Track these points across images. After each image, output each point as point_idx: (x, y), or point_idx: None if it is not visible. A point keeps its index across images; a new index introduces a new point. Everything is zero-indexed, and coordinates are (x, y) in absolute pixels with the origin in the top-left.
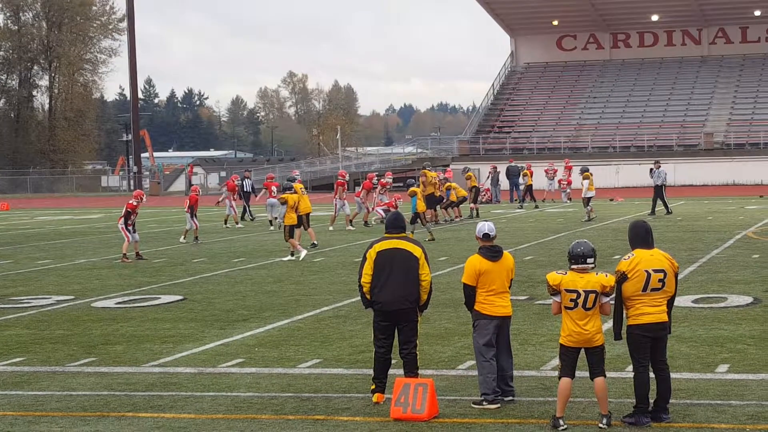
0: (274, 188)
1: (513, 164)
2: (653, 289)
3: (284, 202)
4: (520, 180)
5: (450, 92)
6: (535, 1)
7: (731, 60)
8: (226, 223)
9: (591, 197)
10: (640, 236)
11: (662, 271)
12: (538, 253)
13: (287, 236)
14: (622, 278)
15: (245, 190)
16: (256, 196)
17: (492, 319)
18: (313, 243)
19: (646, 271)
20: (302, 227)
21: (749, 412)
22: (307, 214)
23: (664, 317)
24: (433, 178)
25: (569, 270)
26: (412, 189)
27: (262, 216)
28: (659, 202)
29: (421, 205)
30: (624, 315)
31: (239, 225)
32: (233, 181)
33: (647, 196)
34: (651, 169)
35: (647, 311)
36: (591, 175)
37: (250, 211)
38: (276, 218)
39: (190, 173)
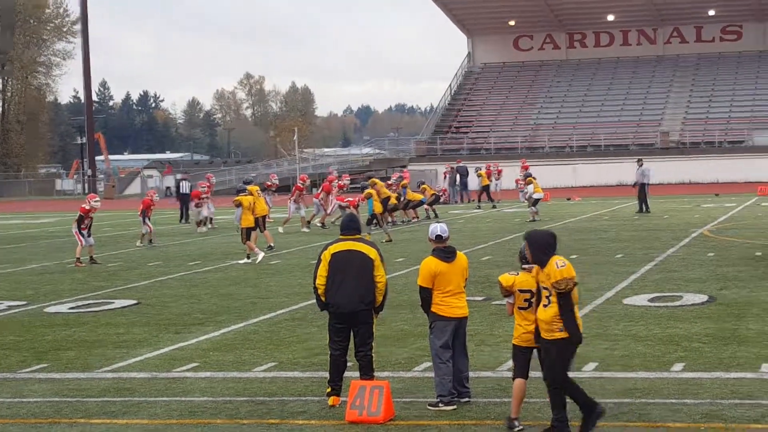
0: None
1: (461, 165)
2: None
3: (239, 205)
4: (475, 180)
5: (407, 93)
6: (491, 1)
7: (686, 59)
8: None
9: (539, 199)
10: (553, 245)
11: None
12: (495, 253)
13: (244, 239)
14: (575, 285)
15: (181, 192)
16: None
17: (449, 320)
18: (270, 245)
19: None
20: (258, 230)
21: (703, 410)
22: (263, 217)
23: None
24: (382, 186)
25: (521, 270)
26: (367, 191)
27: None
28: (641, 198)
29: (378, 207)
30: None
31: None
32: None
33: (605, 195)
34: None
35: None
36: (534, 179)
37: (187, 214)
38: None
39: (168, 172)
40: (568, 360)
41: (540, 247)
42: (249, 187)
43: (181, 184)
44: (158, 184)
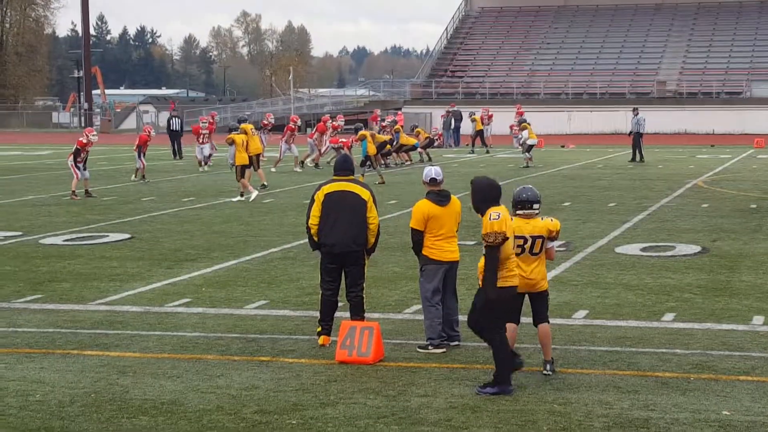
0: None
1: (455, 109)
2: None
3: (232, 143)
4: (469, 125)
5: (403, 35)
6: None
7: (685, 8)
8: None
9: (533, 145)
10: (493, 196)
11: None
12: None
13: (238, 176)
14: (504, 239)
15: (172, 128)
16: (182, 134)
17: (441, 264)
18: (263, 184)
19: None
20: (252, 168)
21: (693, 360)
22: (257, 155)
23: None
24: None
25: (515, 216)
26: (361, 132)
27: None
28: (635, 147)
29: (372, 149)
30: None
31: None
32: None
33: (599, 143)
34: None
35: (516, 273)
36: (529, 125)
37: (180, 150)
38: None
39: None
40: (486, 311)
41: (480, 196)
42: (242, 126)
43: (171, 120)
44: (154, 120)
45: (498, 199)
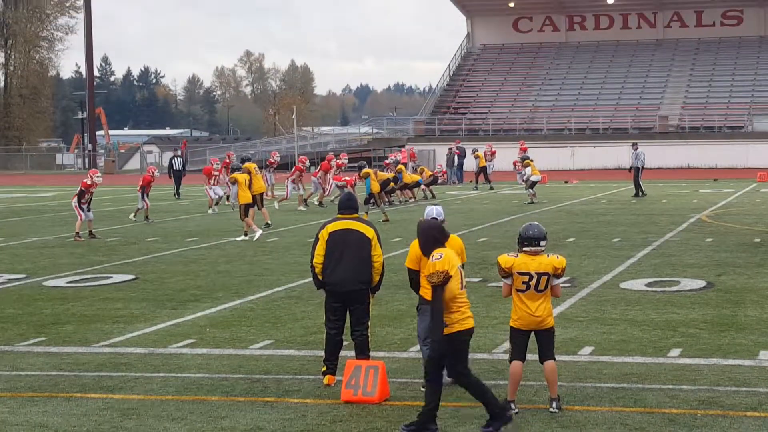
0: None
1: (460, 145)
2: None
3: (234, 182)
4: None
5: (405, 72)
6: None
7: (686, 44)
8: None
9: (537, 181)
10: (437, 237)
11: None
12: (491, 235)
13: (242, 216)
14: (447, 278)
15: (175, 168)
16: (185, 174)
17: None
18: (267, 223)
19: (458, 268)
20: (256, 207)
21: (701, 397)
22: (261, 194)
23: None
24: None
25: (520, 252)
26: (365, 171)
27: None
28: (636, 182)
29: (375, 186)
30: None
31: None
32: (211, 165)
33: (603, 179)
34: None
35: (470, 314)
36: (532, 161)
37: (179, 191)
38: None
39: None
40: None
41: (423, 238)
42: (246, 165)
43: (173, 160)
44: (158, 160)
45: (442, 241)
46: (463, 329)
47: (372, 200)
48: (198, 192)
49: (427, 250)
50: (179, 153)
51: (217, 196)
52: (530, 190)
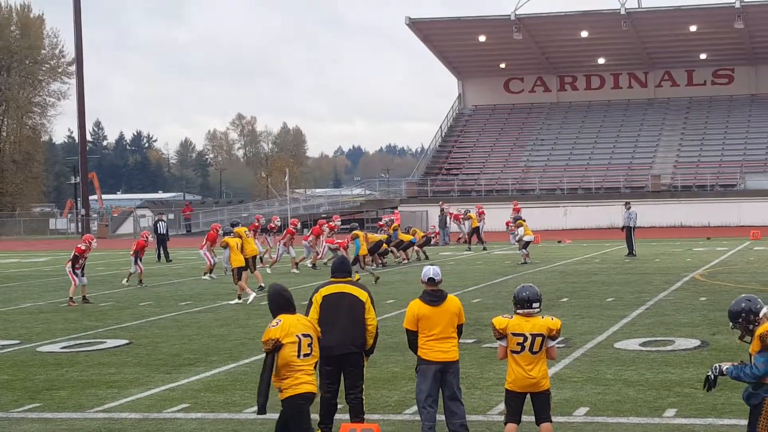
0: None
1: (443, 207)
2: (305, 355)
3: (226, 246)
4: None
5: (397, 134)
6: (482, 44)
7: (677, 103)
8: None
9: (530, 241)
10: (281, 302)
11: (309, 335)
12: (485, 295)
13: (235, 279)
14: (276, 346)
15: (159, 232)
16: (168, 238)
17: (431, 364)
18: (260, 286)
19: (297, 336)
20: (249, 270)
21: None
22: (253, 257)
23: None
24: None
25: (515, 314)
26: (354, 232)
27: (185, 258)
28: (628, 241)
29: (363, 249)
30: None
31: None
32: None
33: (595, 238)
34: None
35: (305, 379)
36: (524, 221)
37: (166, 253)
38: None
39: (189, 210)
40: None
41: (271, 304)
42: (236, 229)
43: (158, 224)
44: (151, 224)
45: (287, 307)
46: (295, 394)
47: (356, 263)
48: (192, 255)
49: (273, 313)
50: (163, 216)
51: (214, 262)
52: (523, 250)
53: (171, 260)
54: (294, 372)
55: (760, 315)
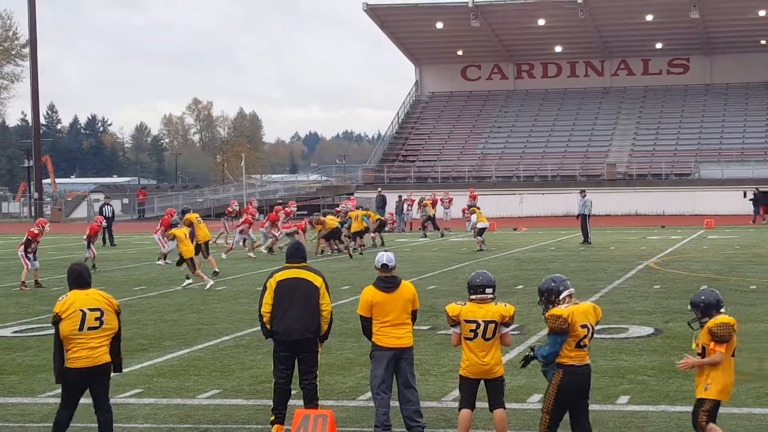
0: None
1: (381, 194)
2: (90, 328)
3: (173, 238)
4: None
5: (354, 120)
6: (439, 31)
7: (633, 92)
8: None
9: (484, 228)
10: (73, 278)
11: (99, 309)
12: (441, 282)
13: (192, 269)
14: (56, 319)
15: (106, 216)
16: (114, 221)
17: (386, 350)
18: (215, 271)
19: (81, 310)
20: (201, 255)
21: None
22: (206, 243)
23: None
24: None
25: (468, 300)
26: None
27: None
28: (585, 229)
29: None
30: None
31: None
32: (168, 216)
33: (551, 225)
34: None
35: (82, 354)
36: (478, 209)
37: (111, 237)
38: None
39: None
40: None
41: (67, 279)
42: (187, 216)
43: (104, 208)
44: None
45: (80, 283)
46: (70, 367)
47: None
48: (146, 240)
49: (69, 289)
50: (110, 201)
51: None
52: (478, 237)
53: (115, 245)
54: (73, 345)
55: (561, 297)
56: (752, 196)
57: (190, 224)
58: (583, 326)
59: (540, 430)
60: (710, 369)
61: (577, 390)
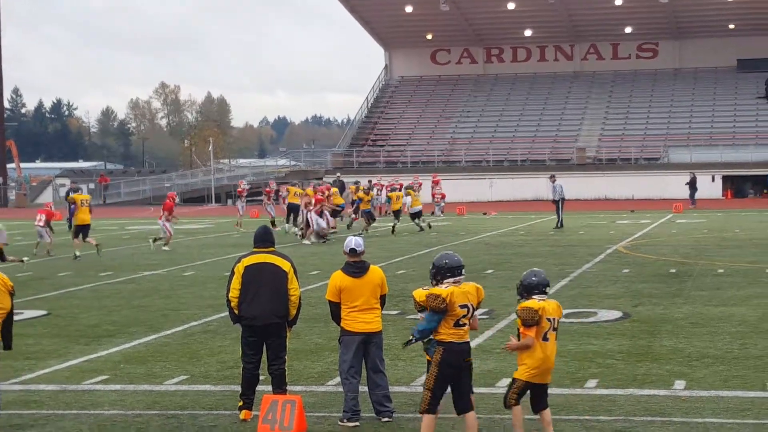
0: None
1: (339, 179)
2: None
3: (73, 202)
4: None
5: (323, 105)
6: (409, 15)
7: (603, 76)
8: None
9: (418, 212)
10: None
11: None
12: (410, 267)
13: (74, 236)
14: None
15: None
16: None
17: (355, 335)
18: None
19: None
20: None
21: (617, 427)
22: (85, 225)
23: None
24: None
25: (445, 283)
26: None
27: (105, 229)
28: (559, 213)
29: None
30: None
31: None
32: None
33: (521, 210)
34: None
35: None
36: (414, 191)
37: (72, 223)
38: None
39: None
40: None
41: None
42: (72, 196)
43: (70, 193)
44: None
45: None
46: None
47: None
48: (113, 225)
49: None
50: (77, 186)
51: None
52: (417, 221)
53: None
54: None
55: (445, 282)
56: (687, 180)
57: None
58: (463, 306)
59: (421, 407)
60: (524, 351)
61: (457, 366)
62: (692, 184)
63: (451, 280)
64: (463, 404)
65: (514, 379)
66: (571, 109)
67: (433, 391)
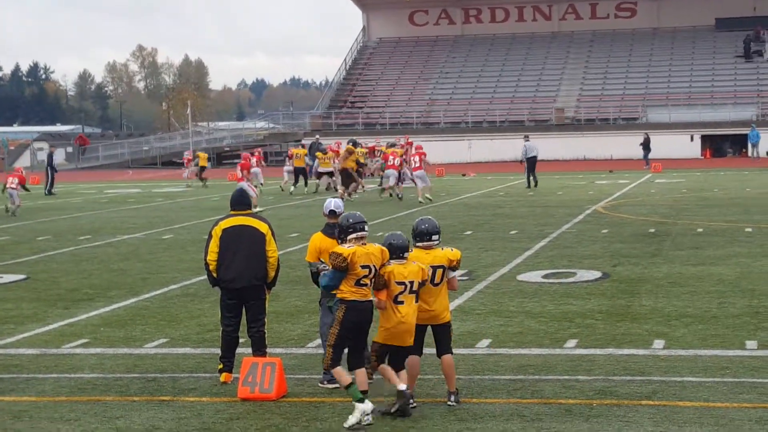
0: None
1: (318, 141)
2: None
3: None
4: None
5: (301, 67)
6: None
7: (581, 36)
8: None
9: (323, 173)
10: None
11: None
12: (390, 229)
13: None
14: None
15: (53, 164)
16: (56, 171)
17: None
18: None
19: None
20: None
21: (596, 387)
22: None
23: None
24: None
25: (414, 247)
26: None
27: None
28: (531, 174)
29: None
30: None
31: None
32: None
33: (500, 171)
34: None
35: None
36: (324, 153)
37: (52, 185)
38: None
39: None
40: None
41: None
42: None
43: (53, 156)
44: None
45: None
46: None
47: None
48: (91, 189)
49: None
50: (54, 150)
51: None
52: (317, 180)
53: (54, 194)
54: None
55: (348, 238)
56: (641, 141)
57: None
58: (365, 267)
59: (324, 364)
60: (381, 313)
61: (358, 324)
62: (646, 145)
63: (353, 235)
64: (354, 361)
65: (373, 342)
66: (550, 70)
67: (334, 347)
